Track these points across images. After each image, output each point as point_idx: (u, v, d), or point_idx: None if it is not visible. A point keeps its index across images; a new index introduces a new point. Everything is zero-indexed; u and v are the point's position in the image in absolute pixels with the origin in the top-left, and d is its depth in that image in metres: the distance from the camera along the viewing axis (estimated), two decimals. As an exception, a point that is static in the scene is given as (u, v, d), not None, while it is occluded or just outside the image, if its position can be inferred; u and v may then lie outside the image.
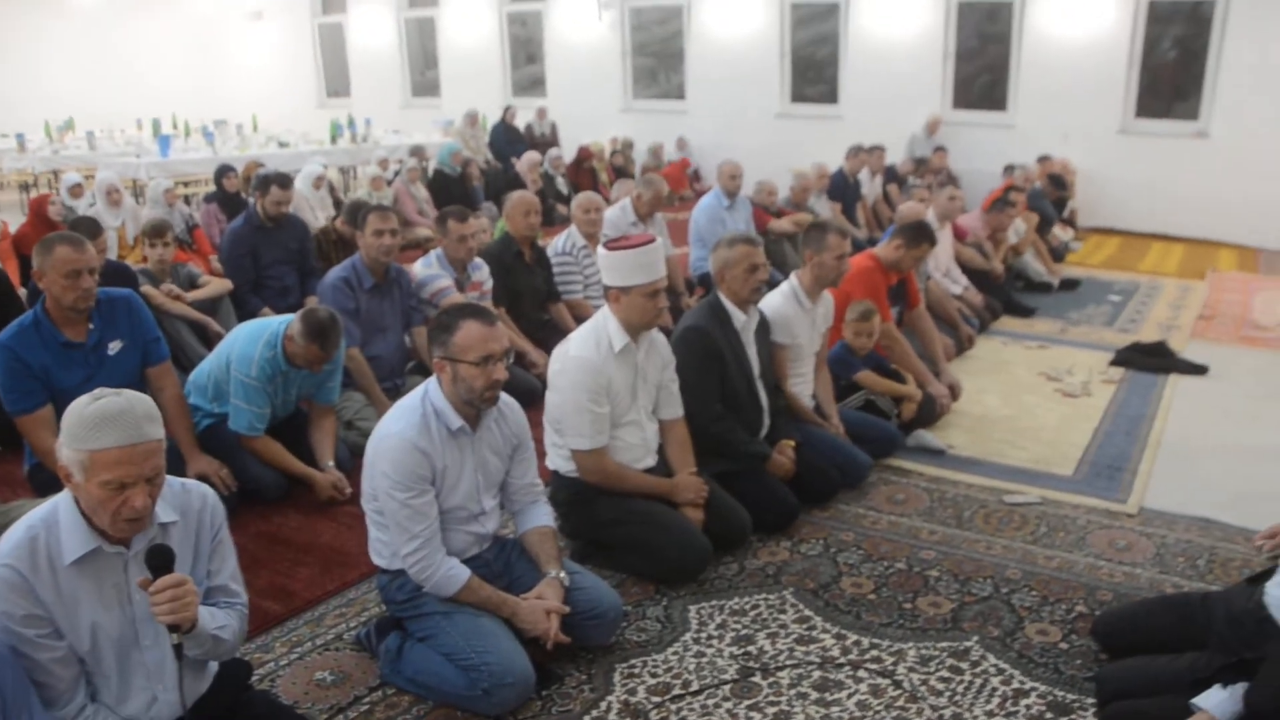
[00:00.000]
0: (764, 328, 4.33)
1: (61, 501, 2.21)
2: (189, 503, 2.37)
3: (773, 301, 4.51)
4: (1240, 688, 2.50)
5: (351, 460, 4.48)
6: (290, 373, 4.20)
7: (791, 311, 4.49)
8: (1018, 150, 11.83)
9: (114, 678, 2.27)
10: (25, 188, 12.84)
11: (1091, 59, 11.96)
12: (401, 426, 2.93)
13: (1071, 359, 6.71)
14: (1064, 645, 3.29)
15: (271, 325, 4.20)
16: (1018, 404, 5.77)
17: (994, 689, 3.06)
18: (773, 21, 13.76)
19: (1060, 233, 10.80)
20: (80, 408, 2.10)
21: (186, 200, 10.17)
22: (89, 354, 3.83)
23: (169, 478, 2.32)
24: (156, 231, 5.76)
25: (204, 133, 12.82)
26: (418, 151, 11.51)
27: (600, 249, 3.65)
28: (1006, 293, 8.07)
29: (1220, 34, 11.30)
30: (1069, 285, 9.03)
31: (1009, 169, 11.02)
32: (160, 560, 2.18)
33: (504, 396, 3.16)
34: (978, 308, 7.38)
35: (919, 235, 5.23)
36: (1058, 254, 10.07)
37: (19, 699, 2.08)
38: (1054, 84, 12.20)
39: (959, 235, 8.09)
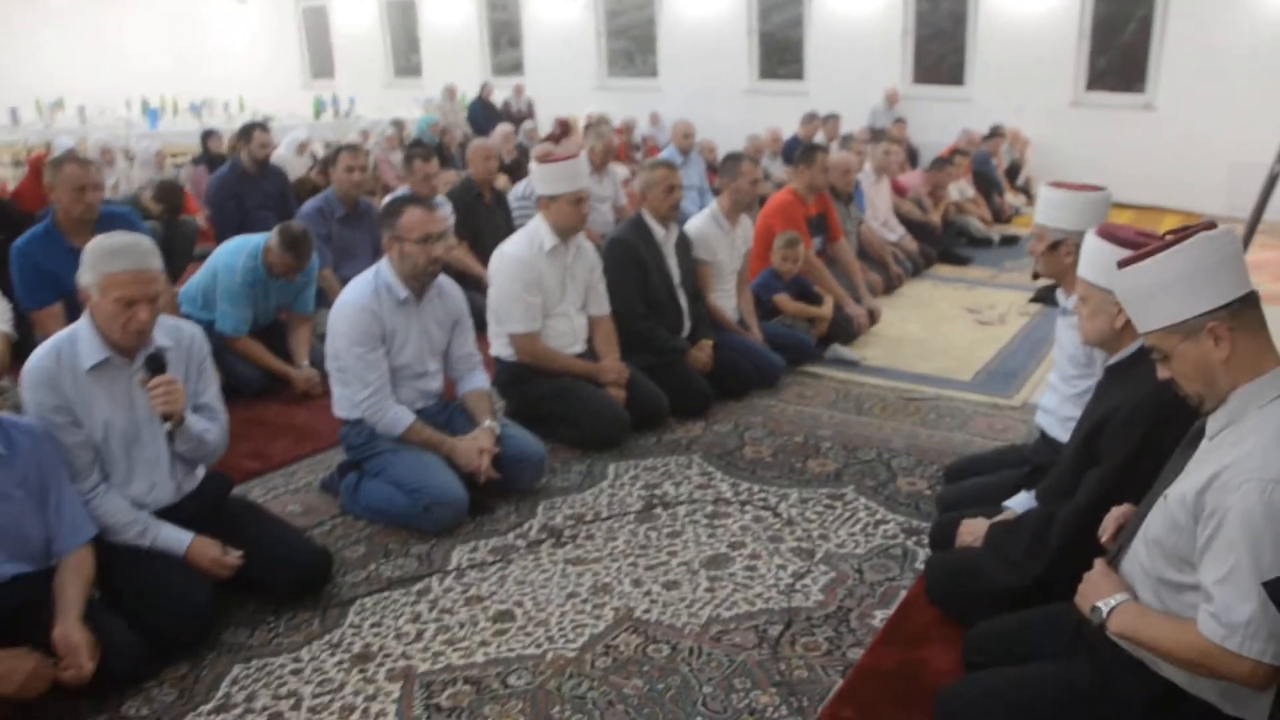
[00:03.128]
0: (685, 244, 4.92)
1: (80, 324, 2.81)
2: (181, 335, 2.98)
3: (695, 223, 5.11)
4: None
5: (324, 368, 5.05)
6: (269, 281, 4.78)
7: (711, 231, 5.07)
8: (975, 122, 12.35)
9: (121, 465, 2.87)
10: (17, 163, 13.33)
11: (1044, 34, 12.52)
12: (356, 294, 3.54)
13: (995, 297, 7.29)
14: (928, 492, 3.87)
15: (253, 240, 4.79)
16: (935, 330, 6.36)
17: (859, 519, 3.65)
18: (740, 2, 14.32)
19: (1012, 198, 11.39)
20: (99, 242, 2.72)
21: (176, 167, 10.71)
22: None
23: (164, 316, 2.92)
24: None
25: (191, 108, 13.34)
26: (398, 123, 12.06)
27: (532, 163, 4.25)
28: (944, 244, 8.64)
29: (1164, 10, 11.87)
30: (1009, 241, 9.61)
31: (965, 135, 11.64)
32: (156, 365, 2.78)
33: (445, 279, 3.76)
34: (912, 253, 7.96)
35: (808, 154, 5.94)
36: (1005, 215, 10.67)
37: (54, 468, 2.69)
38: (1008, 59, 12.75)
39: (900, 191, 8.67)
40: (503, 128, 12.01)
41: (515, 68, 16.64)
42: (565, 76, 15.73)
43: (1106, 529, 2.42)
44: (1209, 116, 11.69)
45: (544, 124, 14.32)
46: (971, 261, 8.54)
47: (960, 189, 9.80)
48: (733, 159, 5.13)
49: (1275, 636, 1.83)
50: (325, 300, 5.38)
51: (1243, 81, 11.35)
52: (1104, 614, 2.12)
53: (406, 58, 18.00)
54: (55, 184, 4.31)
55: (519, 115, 14.58)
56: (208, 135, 9.27)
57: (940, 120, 13.15)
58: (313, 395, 4.84)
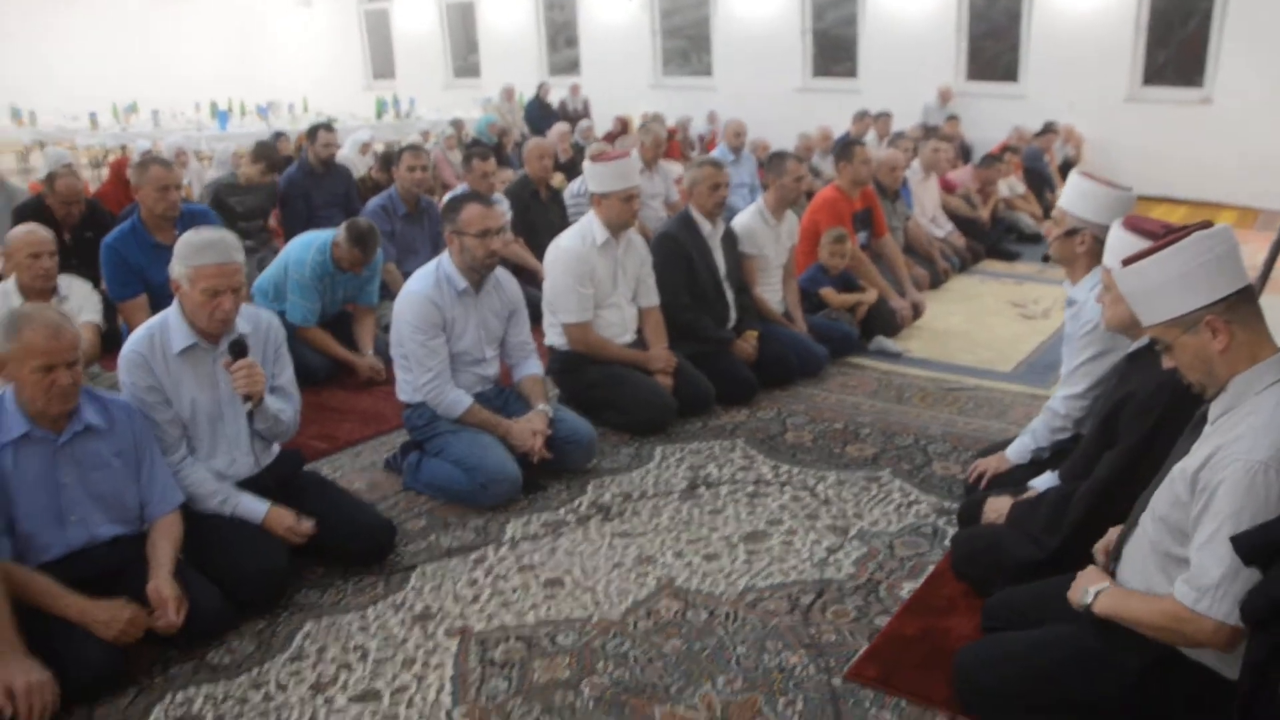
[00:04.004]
0: (731, 239, 5.12)
1: (170, 312, 3.10)
2: (259, 321, 3.26)
3: (741, 219, 5.31)
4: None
5: (388, 356, 5.32)
6: (337, 275, 5.06)
7: (757, 227, 5.27)
8: (1029, 119, 12.36)
9: (206, 440, 3.15)
10: (96, 165, 13.86)
11: (1099, 30, 12.48)
12: (420, 285, 3.80)
13: (1041, 292, 7.37)
14: (961, 476, 4.00)
15: (322, 235, 5.08)
16: (979, 323, 6.48)
17: (892, 499, 3.83)
18: (793, 2, 14.46)
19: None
20: (189, 237, 3.00)
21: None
22: (174, 257, 4.73)
23: (244, 304, 3.19)
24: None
25: (258, 110, 13.78)
26: (457, 124, 12.38)
27: (586, 162, 4.47)
28: (992, 239, 8.72)
29: (1222, 3, 11.80)
30: (1059, 237, 9.63)
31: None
32: (238, 349, 3.06)
33: (503, 272, 4.00)
34: (959, 249, 8.06)
35: (845, 150, 6.16)
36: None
37: (147, 441, 2.98)
38: (1063, 55, 12.73)
39: (949, 188, 8.78)
40: (559, 127, 12.27)
41: (572, 67, 16.92)
42: (621, 76, 15.98)
43: (1099, 551, 2.61)
44: (1268, 110, 11.59)
45: (600, 123, 14.57)
46: (1020, 257, 8.60)
47: (1010, 185, 9.87)
48: (778, 157, 5.31)
49: (1240, 600, 2.00)
50: (388, 293, 5.67)
51: (1303, 75, 11.27)
52: (1091, 597, 2.36)
53: (465, 59, 18.37)
54: (141, 184, 4.64)
55: (575, 115, 14.85)
56: (276, 137, 9.62)
57: (994, 117, 13.16)
58: (376, 382, 5.12)
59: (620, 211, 4.42)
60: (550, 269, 4.49)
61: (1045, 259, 3.29)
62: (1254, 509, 2.00)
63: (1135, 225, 2.82)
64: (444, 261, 3.85)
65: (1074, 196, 3.28)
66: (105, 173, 10.98)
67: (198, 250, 2.96)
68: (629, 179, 4.42)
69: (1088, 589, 2.38)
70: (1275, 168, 11.73)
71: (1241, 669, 2.01)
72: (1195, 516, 2.12)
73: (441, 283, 3.81)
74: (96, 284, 4.91)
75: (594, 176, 4.44)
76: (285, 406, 3.26)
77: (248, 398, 3.07)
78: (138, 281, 4.68)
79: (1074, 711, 2.38)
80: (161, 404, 3.04)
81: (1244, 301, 2.14)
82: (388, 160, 7.24)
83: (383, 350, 5.30)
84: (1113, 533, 2.60)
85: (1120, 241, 2.80)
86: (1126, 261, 2.25)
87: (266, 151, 6.84)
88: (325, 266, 5.00)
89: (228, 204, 6.62)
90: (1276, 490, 2.00)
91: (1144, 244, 2.69)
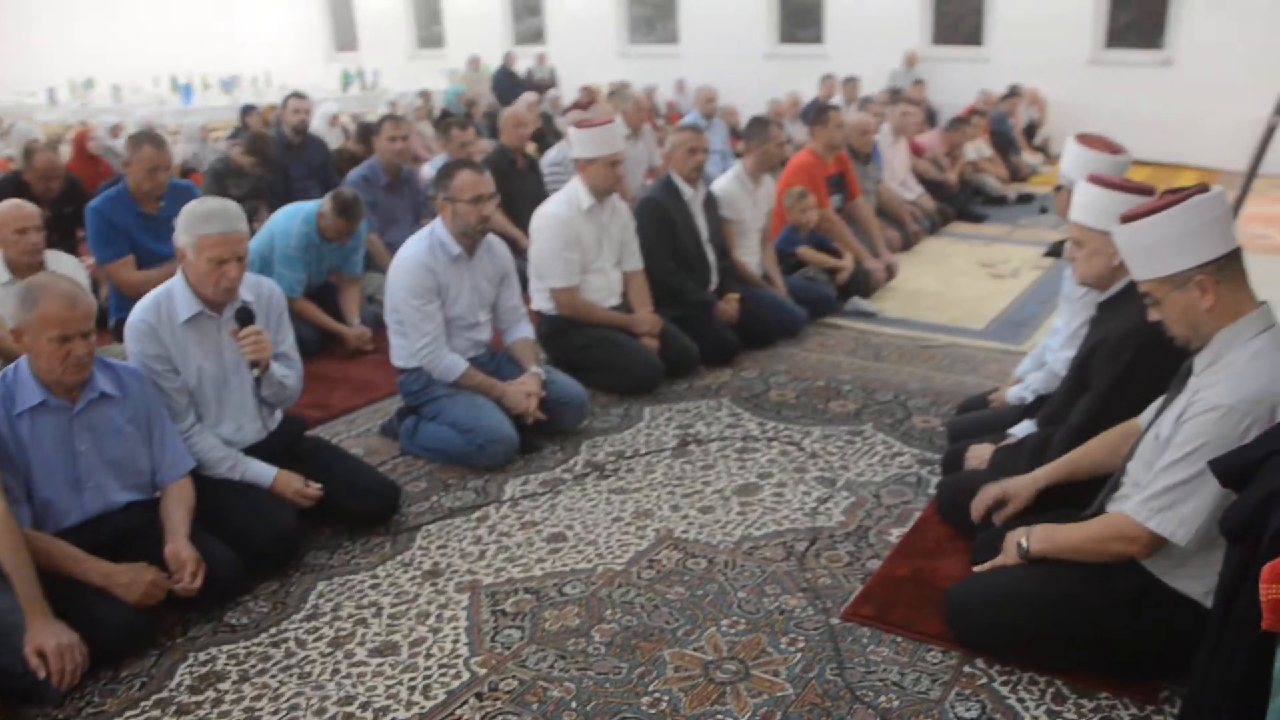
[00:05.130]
0: (712, 203, 5.22)
1: (175, 281, 3.16)
2: (261, 290, 3.32)
3: (720, 183, 5.41)
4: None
5: (374, 327, 5.38)
6: (322, 245, 5.11)
7: (735, 191, 5.37)
8: (993, 82, 12.50)
9: (213, 407, 3.22)
10: (54, 144, 13.66)
11: (1063, -8, 12.64)
12: (414, 251, 3.88)
13: (1010, 252, 7.53)
14: (941, 429, 4.16)
15: (306, 206, 5.13)
16: (950, 283, 6.62)
17: (876, 451, 3.96)
18: (759, -33, 14.51)
19: (1029, 157, 11.57)
20: (193, 208, 3.06)
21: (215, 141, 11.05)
22: (159, 225, 4.78)
23: (248, 272, 3.25)
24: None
25: (222, 83, 13.66)
26: (424, 94, 12.35)
27: (570, 128, 4.55)
28: (960, 202, 8.87)
29: (1182, -36, 11.96)
30: (1025, 199, 9.80)
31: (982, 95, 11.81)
32: (245, 317, 3.13)
33: (494, 238, 4.08)
34: (929, 211, 8.20)
35: (820, 114, 6.29)
36: (1022, 174, 10.85)
37: (158, 408, 3.04)
38: (1027, 18, 12.86)
39: (918, 151, 8.90)
40: (527, 97, 12.26)
41: (537, 36, 16.87)
42: (587, 44, 15.96)
43: (977, 508, 2.97)
44: (1228, 71, 11.73)
45: (566, 92, 14.57)
46: (987, 219, 8.76)
47: (977, 148, 10.01)
48: (760, 123, 5.42)
49: (1185, 520, 2.26)
50: (371, 264, 5.72)
51: (1262, 36, 11.41)
52: (1025, 545, 2.60)
53: (429, 28, 18.26)
54: (132, 161, 4.71)
55: (542, 84, 14.84)
56: (247, 110, 9.60)
57: (959, 81, 13.28)
58: (364, 351, 5.18)
59: (605, 176, 4.50)
60: (536, 235, 4.57)
61: (1043, 210, 3.42)
62: (1215, 444, 2.16)
63: (1100, 179, 2.96)
64: (437, 228, 3.93)
65: (1065, 158, 3.44)
66: (66, 149, 10.89)
67: (202, 220, 3.02)
68: (614, 144, 4.51)
69: (1018, 541, 2.61)
70: (1235, 129, 11.91)
71: (1217, 589, 2.15)
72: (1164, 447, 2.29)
73: (435, 248, 3.89)
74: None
75: (579, 142, 4.52)
76: (289, 372, 3.34)
77: (254, 364, 3.14)
78: (123, 241, 4.79)
79: (1058, 639, 2.53)
80: (169, 372, 3.10)
81: (1232, 262, 2.28)
82: (365, 131, 7.27)
83: (369, 320, 5.38)
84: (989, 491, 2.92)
85: (1091, 196, 2.94)
86: (1125, 219, 2.37)
87: (259, 146, 6.74)
88: (310, 237, 5.05)
89: (227, 186, 6.52)
90: (1236, 430, 2.17)
91: (1113, 195, 2.85)
